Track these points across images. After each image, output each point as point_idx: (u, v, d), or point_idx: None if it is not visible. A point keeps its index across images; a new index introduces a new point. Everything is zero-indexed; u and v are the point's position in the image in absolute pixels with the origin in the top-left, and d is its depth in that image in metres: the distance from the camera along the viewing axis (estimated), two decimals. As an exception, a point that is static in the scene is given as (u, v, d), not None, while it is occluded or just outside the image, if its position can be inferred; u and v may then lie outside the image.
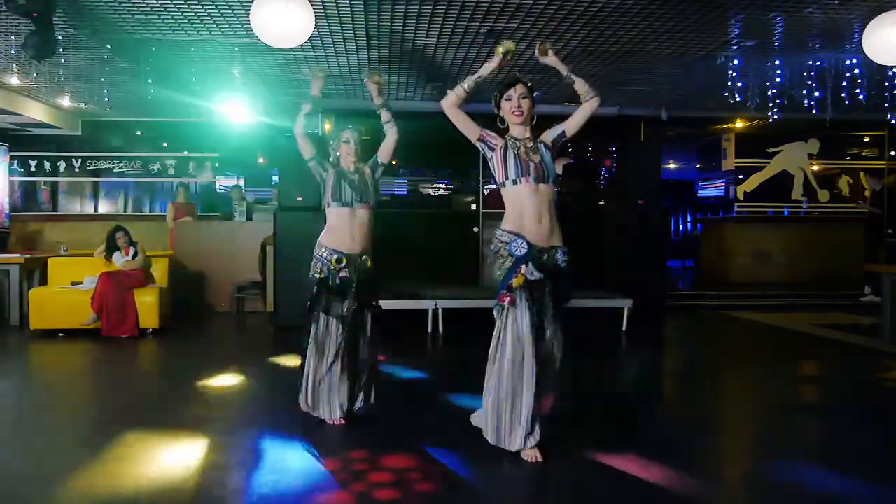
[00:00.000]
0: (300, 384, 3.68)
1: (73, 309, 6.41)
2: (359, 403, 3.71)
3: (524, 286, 3.03)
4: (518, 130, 3.22)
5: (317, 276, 3.58)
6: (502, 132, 3.26)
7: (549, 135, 3.27)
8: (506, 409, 3.07)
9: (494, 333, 3.13)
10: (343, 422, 3.60)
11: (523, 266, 3.04)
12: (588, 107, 3.20)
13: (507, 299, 3.04)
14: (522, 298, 3.04)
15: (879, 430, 3.78)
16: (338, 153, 3.70)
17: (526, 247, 3.05)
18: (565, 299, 3.18)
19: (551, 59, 3.23)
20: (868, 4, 5.31)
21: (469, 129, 3.21)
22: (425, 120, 9.16)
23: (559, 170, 10.33)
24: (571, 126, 3.24)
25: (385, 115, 3.72)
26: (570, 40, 6.26)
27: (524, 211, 3.09)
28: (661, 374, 5.58)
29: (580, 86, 3.23)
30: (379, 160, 3.75)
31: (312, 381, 3.59)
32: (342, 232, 3.57)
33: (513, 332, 3.04)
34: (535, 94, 3.22)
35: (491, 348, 3.13)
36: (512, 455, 3.13)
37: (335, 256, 3.53)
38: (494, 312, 3.14)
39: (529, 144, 3.17)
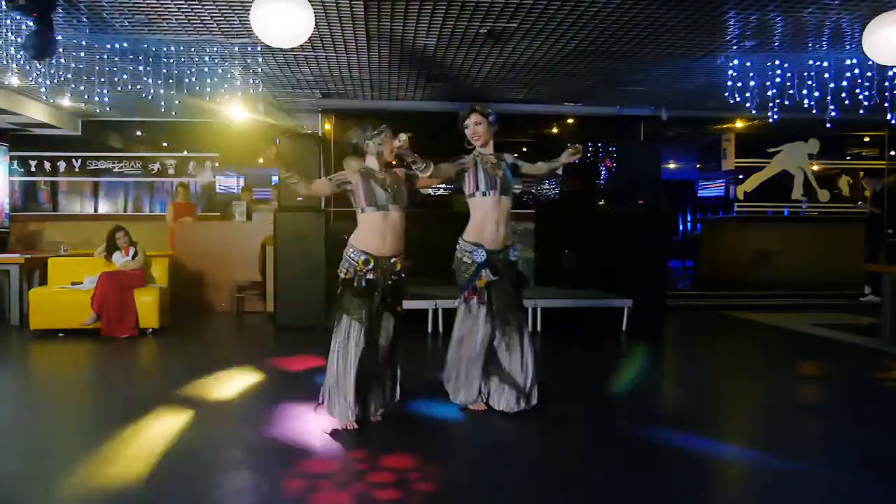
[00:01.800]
0: (323, 385, 3.59)
1: (73, 309, 6.41)
2: (380, 408, 3.65)
3: (485, 287, 3.72)
4: (483, 148, 3.84)
5: (342, 275, 3.53)
6: (469, 151, 3.86)
7: (510, 159, 3.89)
8: (462, 373, 3.84)
9: (456, 322, 3.85)
10: (355, 427, 3.50)
11: (483, 271, 3.70)
12: (546, 171, 4.08)
13: (475, 298, 3.74)
14: (484, 295, 3.73)
15: (880, 429, 3.78)
16: (379, 148, 3.53)
17: (485, 255, 3.70)
18: (521, 284, 3.91)
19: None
20: (868, 4, 5.31)
21: (449, 172, 3.76)
22: (425, 120, 9.23)
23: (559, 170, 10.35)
24: (527, 169, 3.97)
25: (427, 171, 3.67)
26: (570, 40, 6.26)
27: (487, 219, 3.72)
28: (661, 374, 5.58)
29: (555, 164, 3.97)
30: (416, 187, 3.78)
31: (333, 383, 3.49)
32: (373, 234, 3.49)
33: (468, 319, 3.78)
34: (490, 118, 3.82)
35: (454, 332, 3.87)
36: (512, 454, 3.12)
37: (362, 258, 3.48)
38: (457, 305, 3.86)
39: (494, 161, 3.80)
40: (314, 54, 6.78)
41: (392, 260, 3.53)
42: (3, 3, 5.06)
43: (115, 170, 10.41)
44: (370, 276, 3.47)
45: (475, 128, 3.80)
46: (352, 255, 3.51)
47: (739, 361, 5.90)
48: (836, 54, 6.62)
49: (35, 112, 8.79)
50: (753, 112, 7.45)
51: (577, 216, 8.75)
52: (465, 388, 3.84)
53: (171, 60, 6.57)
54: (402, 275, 3.58)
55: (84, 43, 6.23)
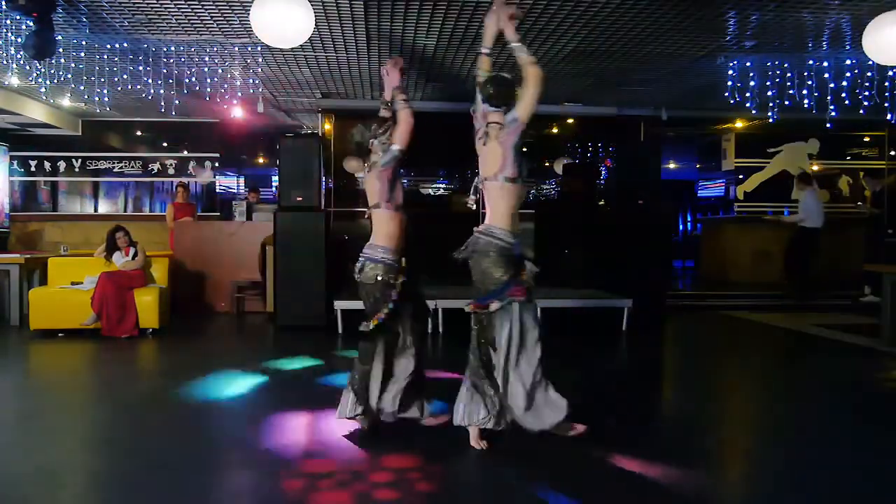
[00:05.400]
0: None
1: (73, 309, 6.40)
2: (389, 408, 3.52)
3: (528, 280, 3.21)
4: (494, 115, 3.37)
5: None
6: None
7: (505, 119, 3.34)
8: (541, 389, 3.22)
9: (505, 328, 3.16)
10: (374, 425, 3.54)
11: (527, 263, 3.24)
12: (531, 76, 3.28)
13: (521, 293, 3.16)
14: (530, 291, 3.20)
15: (879, 430, 3.78)
16: (385, 146, 3.52)
17: (520, 245, 3.22)
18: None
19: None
20: (868, 4, 5.31)
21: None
22: (425, 120, 9.21)
23: (558, 169, 10.35)
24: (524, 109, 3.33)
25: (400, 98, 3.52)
26: (570, 40, 6.26)
27: (513, 210, 3.22)
28: (661, 375, 5.58)
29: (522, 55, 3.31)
30: (393, 148, 3.42)
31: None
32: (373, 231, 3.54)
33: (527, 321, 3.18)
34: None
35: (504, 340, 3.17)
36: (512, 454, 3.13)
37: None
38: (494, 307, 3.19)
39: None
40: (314, 54, 6.78)
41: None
42: (3, 3, 5.06)
43: (115, 170, 10.42)
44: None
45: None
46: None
47: (739, 361, 5.90)
48: (836, 54, 6.62)
49: (35, 112, 8.79)
50: (753, 112, 7.46)
51: (577, 216, 8.74)
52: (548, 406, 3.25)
53: (171, 60, 6.58)
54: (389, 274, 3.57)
55: (84, 43, 6.23)
